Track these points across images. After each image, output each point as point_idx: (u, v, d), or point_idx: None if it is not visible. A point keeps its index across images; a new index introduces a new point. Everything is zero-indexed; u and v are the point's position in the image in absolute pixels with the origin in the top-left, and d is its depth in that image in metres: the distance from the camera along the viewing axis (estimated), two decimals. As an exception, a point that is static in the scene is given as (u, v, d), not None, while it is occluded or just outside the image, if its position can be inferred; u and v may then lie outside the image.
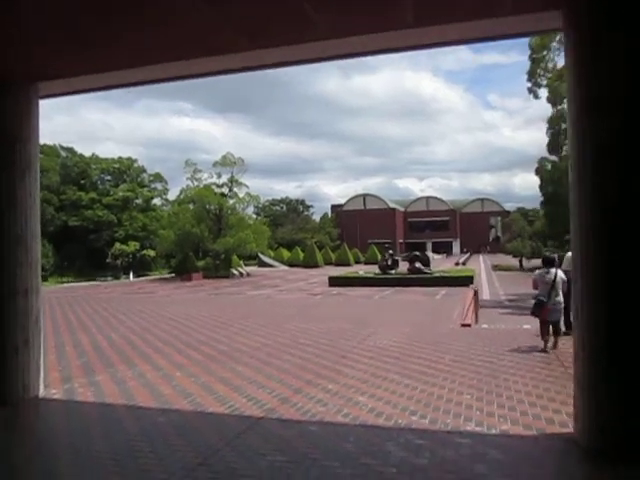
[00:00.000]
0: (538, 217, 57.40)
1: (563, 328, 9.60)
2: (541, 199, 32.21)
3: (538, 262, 52.74)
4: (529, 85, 26.05)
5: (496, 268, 52.83)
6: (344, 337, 10.63)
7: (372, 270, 40.27)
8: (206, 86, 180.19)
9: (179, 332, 11.75)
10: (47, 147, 60.80)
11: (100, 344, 10.19)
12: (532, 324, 11.83)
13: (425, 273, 35.20)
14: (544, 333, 8.97)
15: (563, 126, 24.06)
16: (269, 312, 16.43)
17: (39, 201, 6.55)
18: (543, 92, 26.21)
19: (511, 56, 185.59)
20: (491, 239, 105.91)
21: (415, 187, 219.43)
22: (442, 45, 5.59)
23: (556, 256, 10.05)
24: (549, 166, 28.57)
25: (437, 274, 35.29)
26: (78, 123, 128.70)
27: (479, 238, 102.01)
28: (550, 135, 26.11)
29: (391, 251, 40.72)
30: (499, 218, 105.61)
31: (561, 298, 8.96)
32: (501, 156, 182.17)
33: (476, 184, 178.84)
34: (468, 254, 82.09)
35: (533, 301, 9.21)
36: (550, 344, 8.94)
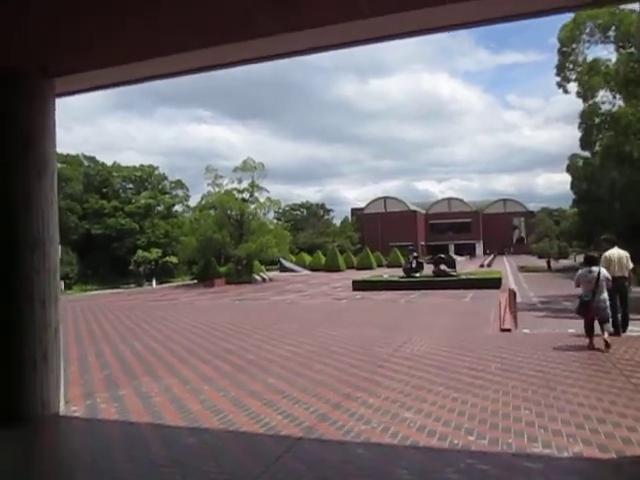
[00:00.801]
0: (565, 216, 56.13)
1: (611, 329, 9.51)
2: (572, 197, 31.24)
3: (566, 263, 51.74)
4: (558, 79, 25.18)
5: (523, 269, 51.62)
6: (378, 344, 10.07)
7: (396, 273, 39.60)
8: (223, 93, 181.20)
9: (204, 341, 11.31)
10: (70, 157, 61.44)
11: (123, 354, 9.79)
12: (575, 327, 11.19)
13: (451, 276, 34.48)
14: (589, 331, 9.04)
15: (596, 120, 23.19)
16: (296, 318, 15.93)
17: (57, 205, 6.14)
18: (572, 87, 25.35)
19: (529, 55, 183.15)
20: (515, 240, 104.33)
21: (435, 189, 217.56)
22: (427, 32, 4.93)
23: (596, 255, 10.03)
24: (581, 163, 27.59)
25: (463, 276, 34.53)
26: (99, 134, 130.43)
27: (502, 239, 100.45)
28: (583, 130, 25.18)
29: (415, 254, 40.00)
30: (522, 219, 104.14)
31: (606, 296, 9.02)
32: (521, 156, 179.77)
33: (497, 185, 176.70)
34: (492, 256, 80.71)
35: (578, 300, 9.28)
36: (600, 345, 8.71)
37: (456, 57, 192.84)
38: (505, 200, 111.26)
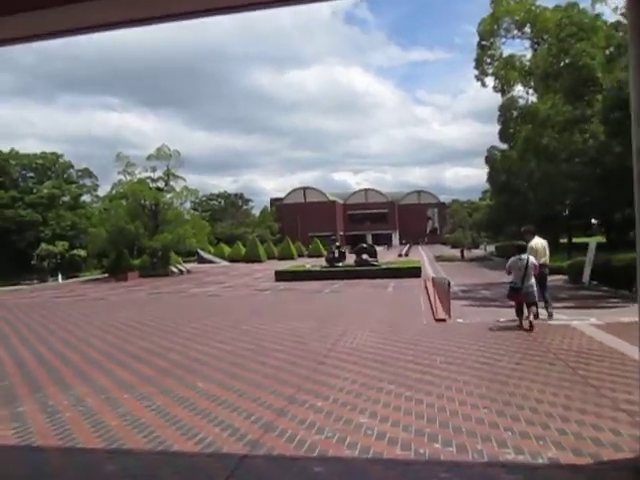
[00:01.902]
0: (478, 208, 58.49)
1: (537, 312, 10.18)
2: (482, 190, 32.32)
3: (478, 252, 53.98)
4: (476, 73, 25.72)
5: (439, 259, 53.19)
6: (313, 338, 9.48)
7: (318, 263, 39.38)
8: (133, 80, 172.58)
9: (121, 341, 10.20)
10: (-41, 142, 55.90)
11: (25, 362, 8.50)
12: (504, 316, 11.29)
13: (373, 265, 34.66)
14: (519, 313, 9.93)
15: (514, 114, 23.87)
16: (220, 312, 15.02)
17: None
18: (490, 81, 25.99)
19: (437, 53, 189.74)
20: (428, 230, 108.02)
21: (351, 180, 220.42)
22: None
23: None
24: (499, 155, 28.45)
25: (384, 266, 34.83)
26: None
27: (417, 230, 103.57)
28: (501, 123, 25.88)
29: (338, 243, 40.00)
30: (436, 210, 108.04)
31: (533, 281, 9.85)
32: (432, 150, 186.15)
33: (409, 177, 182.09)
34: (408, 245, 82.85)
35: (509, 286, 10.05)
36: (526, 322, 9.64)
37: (369, 52, 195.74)
38: (419, 192, 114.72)
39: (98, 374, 7.33)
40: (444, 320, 11.25)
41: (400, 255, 58.00)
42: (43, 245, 50.74)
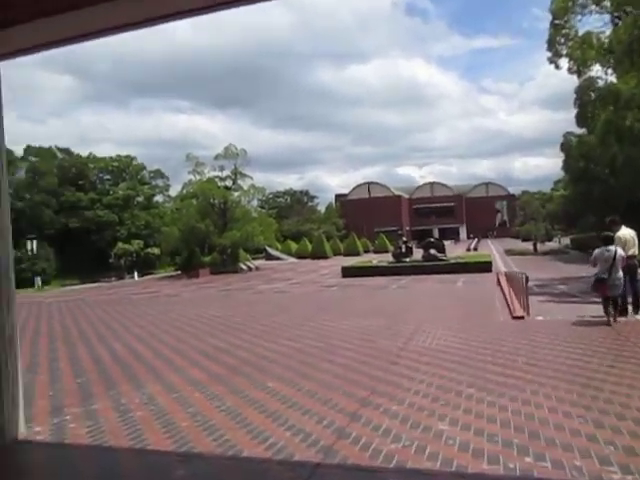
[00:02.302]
0: (551, 199, 55.79)
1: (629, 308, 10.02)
2: (554, 180, 30.60)
3: (552, 245, 51.65)
4: (549, 55, 24.29)
5: (509, 253, 51.20)
6: (384, 336, 9.15)
7: (384, 258, 38.91)
8: (201, 82, 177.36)
9: (192, 338, 10.28)
10: (43, 149, 59.41)
11: (101, 358, 8.70)
12: (588, 313, 10.55)
13: (441, 260, 33.84)
14: (607, 308, 9.39)
15: (592, 96, 22.35)
16: (288, 309, 14.95)
17: (6, 187, 5.05)
18: (564, 62, 24.43)
19: (502, 40, 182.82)
20: (497, 223, 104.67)
21: (415, 174, 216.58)
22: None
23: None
24: (575, 141, 26.78)
25: (453, 260, 33.93)
26: (73, 126, 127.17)
27: (485, 223, 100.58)
28: (578, 107, 24.30)
29: (404, 238, 39.38)
30: (505, 202, 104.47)
31: (621, 274, 9.35)
32: (499, 141, 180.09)
33: (476, 169, 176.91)
34: (476, 239, 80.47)
35: (594, 278, 9.55)
36: (613, 318, 9.26)
37: (430, 42, 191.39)
38: (487, 184, 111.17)
39: (169, 371, 7.35)
40: (522, 317, 10.59)
41: (468, 249, 56.41)
42: (120, 244, 53.16)
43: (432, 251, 35.00)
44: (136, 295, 26.42)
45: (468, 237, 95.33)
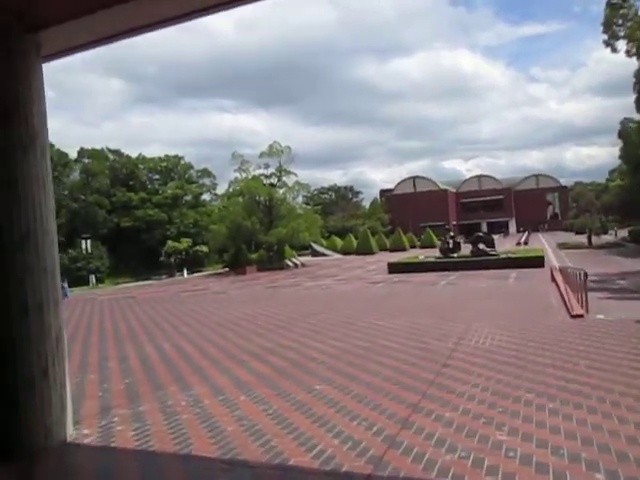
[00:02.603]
0: (606, 189, 53.46)
1: None
2: (609, 170, 29.14)
3: (608, 238, 49.33)
4: (604, 38, 23.07)
5: (563, 247, 49.27)
6: (434, 336, 8.82)
7: (431, 254, 38.19)
8: (245, 81, 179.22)
9: (238, 337, 10.24)
10: (95, 151, 61.35)
11: (149, 358, 8.75)
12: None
13: (490, 255, 32.88)
14: None
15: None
16: (335, 306, 14.76)
17: (52, 189, 5.05)
18: (621, 45, 23.18)
19: (551, 25, 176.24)
20: (549, 216, 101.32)
21: (461, 168, 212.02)
22: None
23: None
24: (634, 128, 25.39)
25: (503, 255, 32.89)
26: (124, 128, 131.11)
27: (536, 216, 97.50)
28: (637, 92, 23.01)
29: (452, 233, 38.57)
30: (556, 194, 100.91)
31: None
32: (549, 130, 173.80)
33: (525, 161, 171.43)
34: (526, 233, 78.01)
35: None
36: None
37: (475, 32, 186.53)
38: (537, 176, 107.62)
39: (216, 372, 7.28)
40: (581, 316, 10.02)
41: (519, 243, 54.70)
42: (169, 242, 54.34)
43: (481, 246, 34.09)
44: (185, 293, 26.86)
45: (518, 231, 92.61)
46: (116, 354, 9.31)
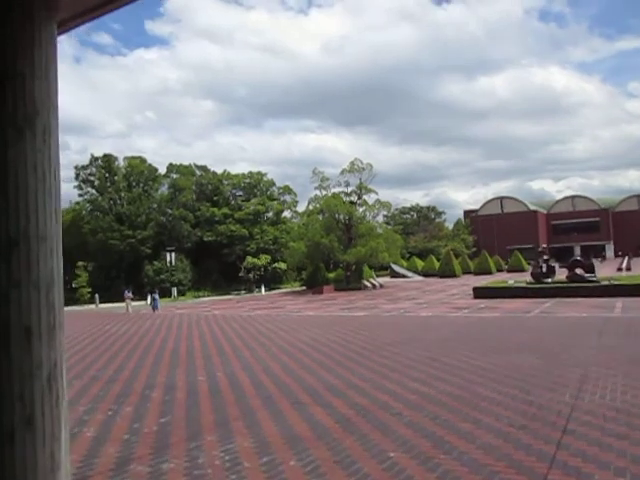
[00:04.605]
0: None
1: None
2: None
3: None
4: None
5: (673, 274, 44.19)
6: (542, 385, 7.00)
7: (520, 278, 35.38)
8: (330, 102, 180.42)
9: (301, 368, 8.87)
10: (183, 167, 63.26)
11: (198, 389, 7.58)
12: None
13: (589, 281, 29.68)
14: None
15: None
16: (414, 335, 13.08)
17: (57, 181, 3.96)
18: None
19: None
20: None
21: (551, 188, 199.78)
22: None
23: None
24: None
25: (605, 282, 29.55)
26: (214, 147, 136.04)
27: (638, 239, 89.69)
28: None
29: (545, 256, 35.49)
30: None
31: None
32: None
33: (621, 181, 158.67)
34: (626, 257, 71.49)
35: None
36: None
37: (567, 48, 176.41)
38: (638, 196, 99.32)
39: (266, 417, 5.93)
40: None
41: (620, 269, 49.89)
42: (249, 258, 54.57)
43: (579, 271, 30.99)
44: (259, 310, 26.04)
45: (616, 255, 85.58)
46: (165, 381, 8.24)
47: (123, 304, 31.89)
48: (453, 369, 8.24)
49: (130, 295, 32.31)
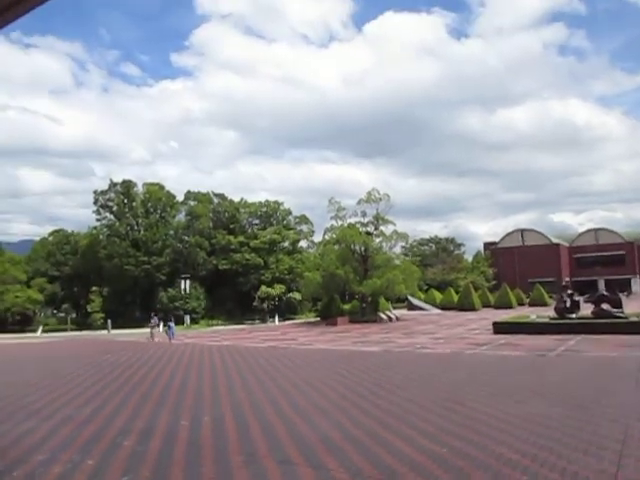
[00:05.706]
0: None
1: None
2: None
3: None
4: None
5: None
6: (577, 446, 5.93)
7: (541, 313, 34.02)
8: (350, 134, 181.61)
9: (298, 416, 7.91)
10: (200, 194, 63.20)
11: (175, 438, 6.65)
12: None
13: (617, 317, 28.24)
14: None
15: None
16: (429, 377, 12.02)
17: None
18: None
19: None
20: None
21: (572, 221, 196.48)
22: None
23: None
24: None
25: (635, 318, 28.07)
26: (235, 176, 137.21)
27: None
28: None
29: (570, 291, 34.03)
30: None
31: None
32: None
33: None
34: (654, 292, 69.15)
35: None
36: None
37: (588, 81, 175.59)
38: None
39: (244, 479, 5.01)
40: None
41: (648, 305, 47.97)
42: (263, 287, 53.78)
43: (605, 306, 29.59)
44: (269, 342, 25.08)
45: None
46: (143, 425, 7.35)
47: (135, 331, 30.85)
48: (468, 419, 7.21)
49: (156, 321, 30.90)
